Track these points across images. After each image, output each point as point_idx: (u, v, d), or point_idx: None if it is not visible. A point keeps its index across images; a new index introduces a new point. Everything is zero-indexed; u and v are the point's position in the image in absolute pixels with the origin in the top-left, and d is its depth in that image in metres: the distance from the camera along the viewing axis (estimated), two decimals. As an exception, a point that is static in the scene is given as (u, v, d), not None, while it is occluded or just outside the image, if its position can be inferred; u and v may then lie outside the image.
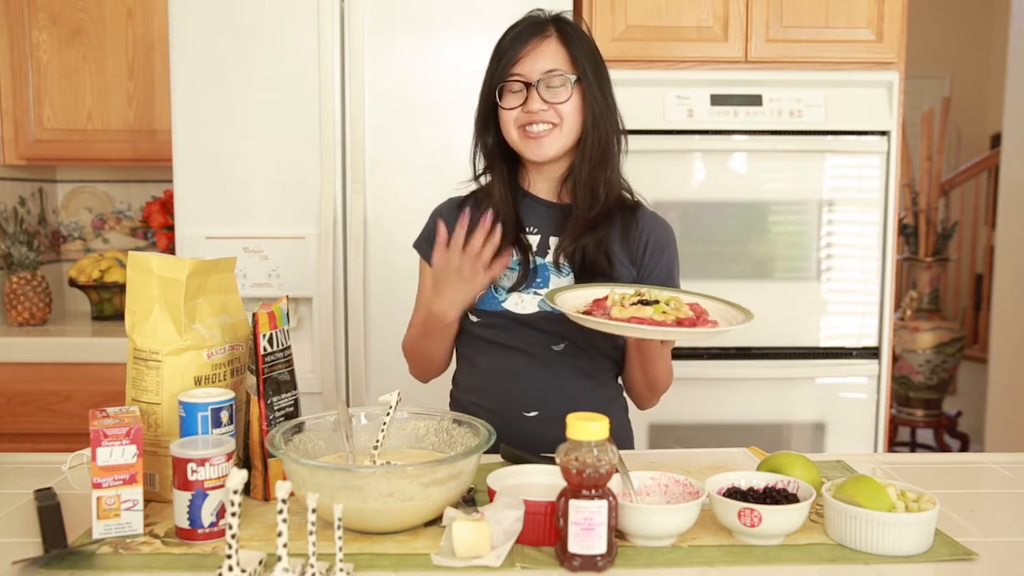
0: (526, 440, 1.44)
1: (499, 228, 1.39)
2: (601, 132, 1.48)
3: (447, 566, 1.00)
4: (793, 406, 2.40)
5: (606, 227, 1.50)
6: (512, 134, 1.48)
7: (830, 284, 2.38)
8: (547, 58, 1.45)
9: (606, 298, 1.33)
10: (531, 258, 1.50)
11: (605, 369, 1.55)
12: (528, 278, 1.49)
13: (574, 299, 1.36)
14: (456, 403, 1.61)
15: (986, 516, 1.21)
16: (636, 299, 1.31)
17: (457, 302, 1.45)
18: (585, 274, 1.48)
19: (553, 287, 1.48)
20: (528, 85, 1.45)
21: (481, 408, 1.50)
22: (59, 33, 2.60)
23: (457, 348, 1.59)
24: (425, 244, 1.59)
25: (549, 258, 1.51)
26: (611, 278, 1.47)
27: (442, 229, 1.40)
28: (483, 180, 1.57)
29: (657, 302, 1.29)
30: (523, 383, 1.50)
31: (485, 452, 1.15)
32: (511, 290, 1.49)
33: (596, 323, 1.25)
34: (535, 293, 1.49)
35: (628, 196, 1.56)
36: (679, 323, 1.25)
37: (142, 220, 2.98)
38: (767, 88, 2.34)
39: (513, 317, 1.49)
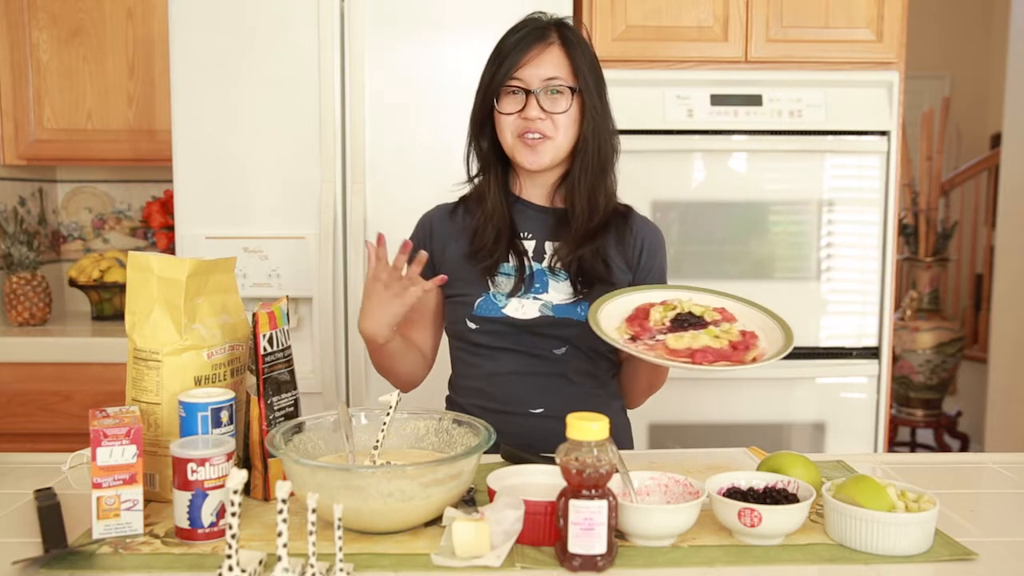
0: (532, 436, 1.45)
1: (422, 252, 1.37)
2: (600, 141, 1.46)
3: (447, 566, 1.00)
4: (793, 406, 2.40)
5: (603, 236, 1.48)
6: (508, 139, 1.46)
7: (830, 284, 2.38)
8: (549, 65, 1.42)
9: (645, 316, 1.32)
10: (527, 263, 1.49)
11: (605, 369, 1.55)
12: (526, 283, 1.48)
13: (610, 317, 1.34)
14: (454, 406, 1.58)
15: (986, 516, 1.21)
16: (673, 313, 1.31)
17: (383, 323, 1.40)
18: (582, 279, 1.47)
19: (556, 295, 1.48)
20: (528, 92, 1.42)
21: (484, 409, 1.49)
22: (59, 33, 2.60)
23: (454, 354, 1.58)
24: (415, 254, 1.59)
25: (545, 263, 1.50)
26: (609, 283, 1.46)
27: (371, 246, 1.35)
28: (477, 181, 1.55)
29: (701, 320, 1.29)
30: (527, 382, 1.49)
31: (485, 452, 1.15)
32: (510, 295, 1.48)
33: (662, 361, 1.24)
34: (535, 298, 1.48)
35: (618, 201, 1.55)
36: (733, 347, 1.26)
37: (142, 220, 2.98)
38: (767, 88, 2.34)
39: (513, 323, 1.47)
